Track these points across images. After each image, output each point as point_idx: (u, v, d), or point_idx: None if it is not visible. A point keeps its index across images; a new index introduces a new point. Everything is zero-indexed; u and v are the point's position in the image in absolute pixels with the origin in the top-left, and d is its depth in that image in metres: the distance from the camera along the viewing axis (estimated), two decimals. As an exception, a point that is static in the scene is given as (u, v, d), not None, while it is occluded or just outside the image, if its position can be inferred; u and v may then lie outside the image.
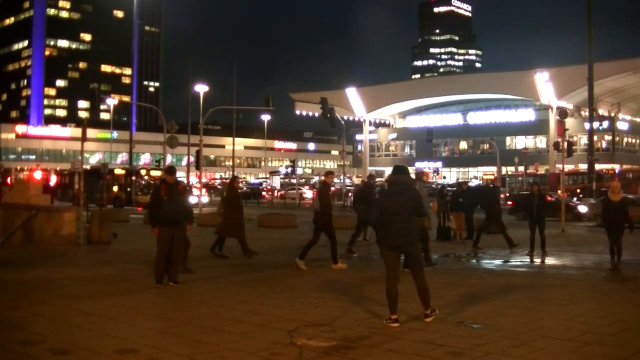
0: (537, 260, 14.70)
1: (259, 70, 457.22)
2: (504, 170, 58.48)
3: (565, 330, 7.53)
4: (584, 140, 63.10)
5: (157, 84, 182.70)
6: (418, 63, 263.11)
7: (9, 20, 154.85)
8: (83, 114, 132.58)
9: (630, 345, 6.92)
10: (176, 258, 10.79)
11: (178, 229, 10.70)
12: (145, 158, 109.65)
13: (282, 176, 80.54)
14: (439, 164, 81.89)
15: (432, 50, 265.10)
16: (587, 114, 35.00)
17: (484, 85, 79.42)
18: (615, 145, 71.08)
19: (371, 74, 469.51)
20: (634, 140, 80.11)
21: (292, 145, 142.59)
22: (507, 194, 42.94)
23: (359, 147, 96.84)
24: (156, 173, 42.49)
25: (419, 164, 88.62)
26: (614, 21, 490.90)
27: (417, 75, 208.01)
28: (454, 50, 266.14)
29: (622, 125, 74.98)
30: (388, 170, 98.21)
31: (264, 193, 58.48)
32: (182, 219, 10.76)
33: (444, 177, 78.61)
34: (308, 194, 55.04)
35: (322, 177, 14.17)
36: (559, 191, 29.98)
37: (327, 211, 13.20)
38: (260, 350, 6.58)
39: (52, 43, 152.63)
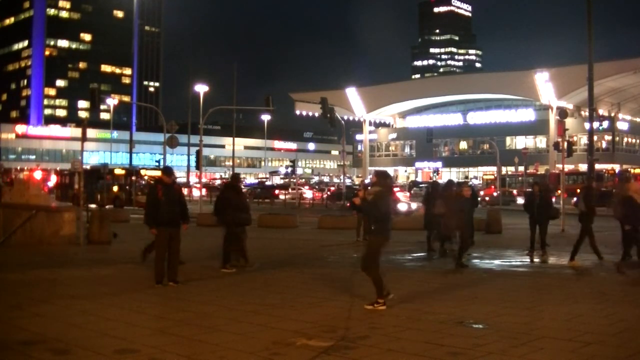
0: (537, 260, 14.70)
1: (259, 70, 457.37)
2: (504, 170, 58.46)
3: (565, 330, 7.53)
4: (584, 140, 63.09)
5: (157, 84, 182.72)
6: (418, 63, 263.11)
7: (9, 20, 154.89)
8: (83, 114, 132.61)
9: (630, 345, 6.92)
10: (175, 258, 10.80)
11: (176, 229, 10.72)
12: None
13: (282, 176, 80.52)
14: (439, 164, 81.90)
15: (432, 50, 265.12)
16: (587, 114, 34.98)
17: (484, 85, 79.45)
18: (615, 145, 71.10)
19: (371, 74, 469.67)
20: (634, 140, 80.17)
21: (292, 145, 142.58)
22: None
23: (359, 147, 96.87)
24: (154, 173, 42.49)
25: (419, 164, 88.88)
26: (614, 21, 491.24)
27: (417, 75, 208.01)
28: (454, 50, 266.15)
29: (622, 125, 75.01)
30: (388, 171, 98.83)
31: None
32: (180, 219, 10.78)
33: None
34: (308, 194, 55.03)
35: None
36: (559, 191, 29.95)
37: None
38: (260, 350, 6.58)
39: (52, 43, 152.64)
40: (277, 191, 55.43)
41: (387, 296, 8.81)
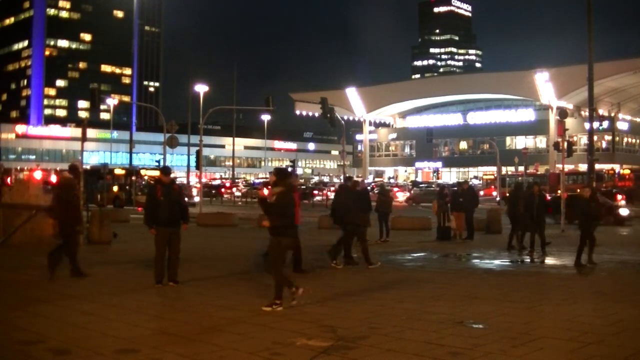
0: (537, 260, 14.70)
1: (259, 70, 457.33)
2: (504, 170, 58.49)
3: (565, 330, 7.53)
4: (584, 140, 63.09)
5: (157, 84, 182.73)
6: (418, 63, 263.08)
7: (9, 20, 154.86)
8: (83, 114, 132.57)
9: (630, 345, 6.92)
10: (175, 258, 10.80)
11: (175, 229, 10.72)
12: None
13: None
14: (439, 164, 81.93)
15: (432, 50, 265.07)
16: (587, 114, 34.97)
17: (484, 85, 79.47)
18: (615, 145, 71.13)
19: (371, 74, 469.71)
20: (634, 140, 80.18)
21: (292, 145, 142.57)
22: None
23: (359, 147, 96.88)
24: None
25: (419, 164, 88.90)
26: (614, 21, 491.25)
27: (417, 75, 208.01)
28: (454, 50, 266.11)
29: (622, 125, 75.04)
30: (388, 170, 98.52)
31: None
32: (179, 219, 10.78)
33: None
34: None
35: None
36: (559, 191, 29.95)
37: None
38: (260, 350, 6.58)
39: (52, 43, 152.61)
40: (315, 191, 54.61)
41: (297, 291, 8.80)
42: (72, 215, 11.61)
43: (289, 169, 10.03)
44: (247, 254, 14.83)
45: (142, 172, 45.03)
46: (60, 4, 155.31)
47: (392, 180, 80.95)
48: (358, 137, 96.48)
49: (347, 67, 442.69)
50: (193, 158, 39.18)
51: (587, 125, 35.47)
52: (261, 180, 69.26)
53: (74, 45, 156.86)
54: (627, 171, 56.36)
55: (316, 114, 68.76)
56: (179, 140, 36.13)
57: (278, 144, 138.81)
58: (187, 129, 52.63)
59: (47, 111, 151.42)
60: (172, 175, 11.22)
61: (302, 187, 50.64)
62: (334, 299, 9.55)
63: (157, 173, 42.75)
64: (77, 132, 73.08)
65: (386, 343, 6.91)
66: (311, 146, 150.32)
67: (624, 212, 27.75)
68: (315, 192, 54.32)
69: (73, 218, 11.65)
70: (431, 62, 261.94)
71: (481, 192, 47.65)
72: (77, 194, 12.65)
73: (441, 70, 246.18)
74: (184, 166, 59.29)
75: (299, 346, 6.77)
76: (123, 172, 44.62)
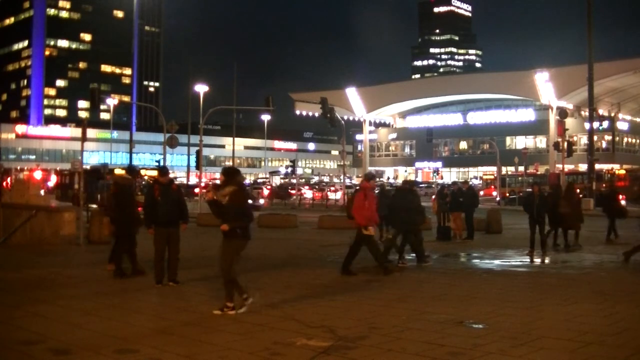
0: (537, 260, 14.69)
1: (259, 70, 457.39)
2: (504, 170, 58.47)
3: (565, 330, 7.53)
4: (584, 140, 63.09)
5: (157, 84, 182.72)
6: (418, 63, 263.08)
7: (9, 20, 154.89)
8: (83, 114, 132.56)
9: (630, 345, 6.92)
10: (174, 258, 10.80)
11: (174, 228, 10.71)
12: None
13: (282, 176, 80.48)
14: (439, 164, 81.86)
15: (432, 50, 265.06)
16: (587, 114, 35.02)
17: (484, 85, 79.44)
18: (615, 145, 71.11)
19: (371, 74, 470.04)
20: (634, 140, 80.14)
21: (292, 145, 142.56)
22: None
23: (359, 147, 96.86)
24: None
25: (419, 164, 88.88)
26: (614, 21, 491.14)
27: (417, 75, 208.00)
28: (454, 50, 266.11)
29: (622, 125, 75.02)
30: (388, 170, 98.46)
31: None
32: (177, 218, 10.76)
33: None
34: (308, 194, 55.00)
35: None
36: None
37: None
38: (260, 350, 6.58)
39: (52, 43, 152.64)
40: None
41: (247, 300, 8.47)
42: (128, 215, 11.63)
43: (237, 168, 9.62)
44: (247, 253, 14.81)
45: (142, 172, 44.98)
46: (60, 4, 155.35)
47: (391, 181, 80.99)
48: (358, 137, 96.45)
49: (347, 67, 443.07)
50: (193, 158, 39.20)
51: (587, 125, 35.51)
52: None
53: (74, 45, 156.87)
54: (622, 171, 56.49)
55: (316, 114, 68.73)
56: (179, 140, 36.16)
57: (278, 144, 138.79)
58: (187, 129, 52.68)
59: (47, 111, 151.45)
60: (171, 175, 11.23)
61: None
62: (334, 299, 9.54)
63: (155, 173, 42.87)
64: (77, 132, 73.19)
65: (386, 343, 6.91)
66: (311, 146, 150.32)
67: None
68: (292, 191, 54.98)
69: (129, 218, 11.66)
70: (431, 62, 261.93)
71: (481, 192, 47.59)
72: (134, 195, 12.79)
73: (441, 70, 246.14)
74: (184, 166, 59.34)
75: (299, 346, 6.77)
76: (123, 172, 44.56)
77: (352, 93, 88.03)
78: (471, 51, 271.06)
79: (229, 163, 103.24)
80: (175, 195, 10.90)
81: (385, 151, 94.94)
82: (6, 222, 17.34)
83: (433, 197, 22.98)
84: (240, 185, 8.65)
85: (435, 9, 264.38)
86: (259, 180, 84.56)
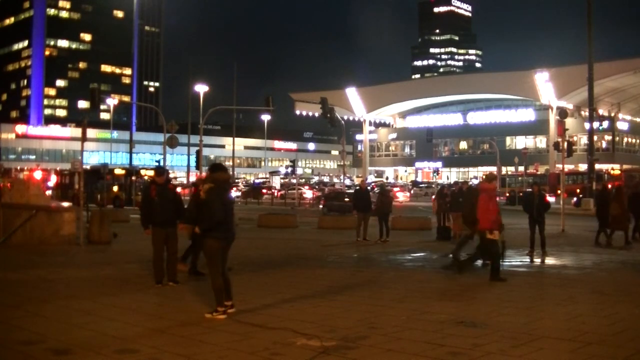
0: (537, 260, 14.69)
1: (259, 70, 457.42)
2: (504, 170, 58.49)
3: (565, 330, 7.53)
4: (584, 140, 63.13)
5: (157, 84, 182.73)
6: (418, 63, 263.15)
7: (9, 20, 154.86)
8: (83, 114, 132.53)
9: (630, 345, 6.92)
10: (174, 258, 10.79)
11: (171, 228, 10.71)
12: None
13: (282, 176, 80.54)
14: (439, 164, 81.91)
15: (432, 50, 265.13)
16: (587, 114, 35.04)
17: (484, 85, 79.49)
18: (615, 145, 71.13)
19: (371, 74, 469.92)
20: (634, 140, 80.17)
21: (292, 145, 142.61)
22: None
23: (359, 147, 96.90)
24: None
25: (419, 164, 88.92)
26: (614, 21, 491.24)
27: (417, 75, 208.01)
28: (454, 50, 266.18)
29: (622, 125, 75.04)
30: (388, 170, 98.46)
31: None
32: (174, 218, 10.76)
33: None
34: (308, 194, 55.10)
35: None
36: (559, 191, 29.97)
37: None
38: (260, 350, 6.57)
39: (52, 43, 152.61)
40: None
41: (230, 308, 8.30)
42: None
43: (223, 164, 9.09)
44: (247, 253, 14.84)
45: (142, 171, 45.04)
46: (60, 4, 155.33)
47: (391, 180, 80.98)
48: (358, 137, 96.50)
49: (347, 67, 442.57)
50: (193, 158, 39.20)
51: (587, 125, 35.52)
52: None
53: (74, 45, 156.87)
54: (617, 171, 56.57)
55: (316, 114, 68.80)
56: (179, 140, 36.18)
57: (278, 144, 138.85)
58: (187, 129, 52.71)
59: (47, 111, 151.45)
60: (170, 175, 11.22)
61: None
62: (333, 299, 9.54)
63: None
64: (77, 132, 73.12)
65: (386, 343, 6.91)
66: (311, 146, 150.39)
67: None
68: (264, 190, 55.87)
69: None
70: (431, 62, 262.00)
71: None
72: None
73: (441, 70, 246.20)
74: (184, 166, 59.33)
75: (299, 346, 6.77)
76: (123, 172, 44.62)
77: (352, 93, 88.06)
78: (471, 51, 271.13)
79: (229, 163, 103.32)
80: (172, 195, 10.90)
81: (385, 151, 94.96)
82: (6, 222, 17.34)
83: (433, 197, 22.98)
84: (218, 182, 8.15)
85: (435, 9, 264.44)
86: (258, 181, 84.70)
